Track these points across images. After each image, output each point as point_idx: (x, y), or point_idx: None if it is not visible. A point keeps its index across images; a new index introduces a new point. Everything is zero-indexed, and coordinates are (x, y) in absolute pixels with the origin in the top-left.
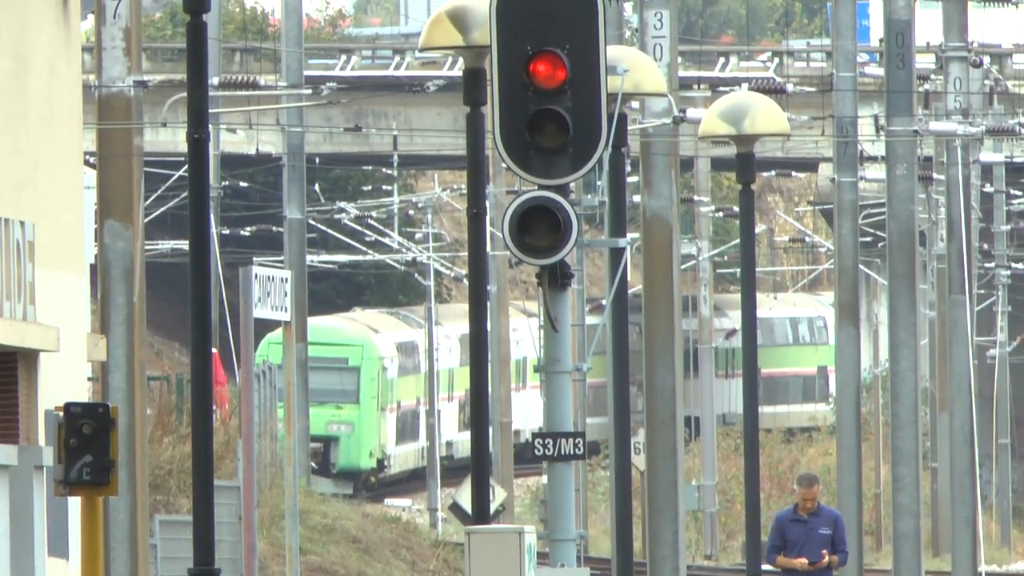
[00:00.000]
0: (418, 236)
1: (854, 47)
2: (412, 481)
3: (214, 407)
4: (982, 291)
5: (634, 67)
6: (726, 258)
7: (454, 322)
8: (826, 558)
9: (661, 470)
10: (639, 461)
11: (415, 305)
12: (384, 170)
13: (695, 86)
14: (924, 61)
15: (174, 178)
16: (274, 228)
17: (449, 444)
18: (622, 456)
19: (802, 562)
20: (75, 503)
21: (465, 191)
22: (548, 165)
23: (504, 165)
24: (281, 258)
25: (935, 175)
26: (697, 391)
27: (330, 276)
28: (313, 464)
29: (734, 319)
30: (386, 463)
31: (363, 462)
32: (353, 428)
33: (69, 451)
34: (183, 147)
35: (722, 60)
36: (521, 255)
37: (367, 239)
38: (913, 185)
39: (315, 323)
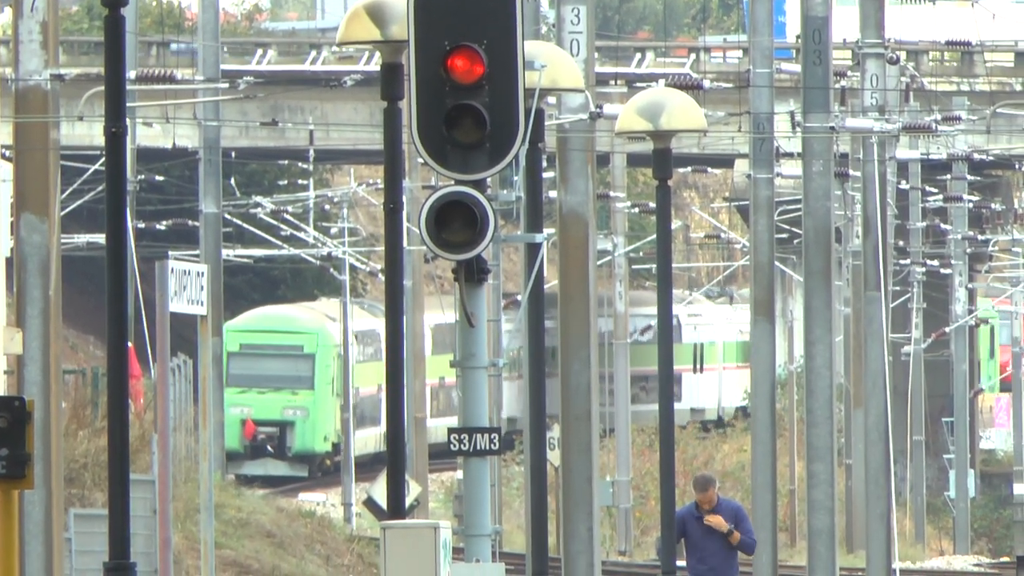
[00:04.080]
0: (334, 231)
1: (771, 43)
2: (376, 465)
3: (130, 401)
4: (897, 288)
5: (551, 63)
6: (642, 254)
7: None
8: (735, 534)
9: (576, 466)
10: (554, 457)
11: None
12: (300, 165)
13: (612, 82)
14: (841, 58)
15: (90, 172)
16: (190, 222)
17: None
18: (537, 452)
19: (719, 520)
20: None
21: (381, 186)
22: (465, 160)
23: (421, 160)
24: (197, 252)
25: (851, 172)
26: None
27: (245, 270)
28: (269, 447)
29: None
30: (342, 447)
31: (318, 446)
32: (308, 413)
33: None
34: (99, 141)
35: (639, 56)
36: (437, 250)
37: (283, 233)
38: (829, 182)
39: (272, 311)
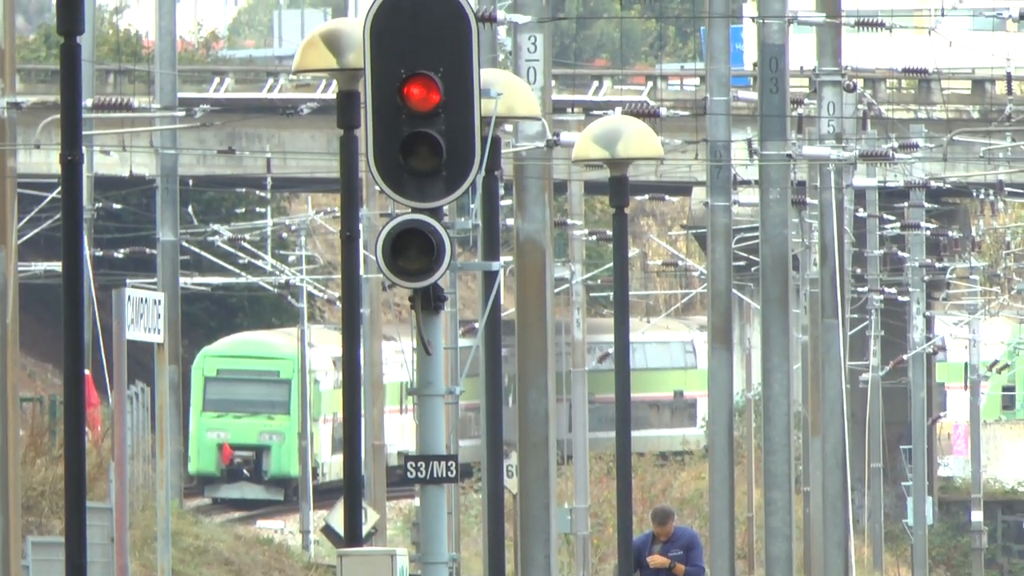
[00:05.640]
0: (291, 259)
1: (728, 71)
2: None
3: (87, 429)
4: (855, 315)
5: (508, 90)
6: (599, 281)
7: (407, 337)
8: (679, 567)
9: (533, 493)
10: (511, 484)
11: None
12: (257, 192)
13: (569, 109)
14: (798, 85)
15: (47, 200)
16: (147, 250)
17: (402, 455)
18: (494, 479)
19: (659, 560)
20: None
21: (338, 214)
22: (421, 188)
23: (377, 188)
24: (154, 280)
25: (808, 199)
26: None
27: (203, 298)
28: (245, 472)
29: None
30: (319, 472)
31: (294, 470)
32: (284, 438)
33: None
34: (56, 169)
35: (596, 84)
36: (394, 278)
37: (240, 261)
38: (786, 209)
39: (249, 337)
